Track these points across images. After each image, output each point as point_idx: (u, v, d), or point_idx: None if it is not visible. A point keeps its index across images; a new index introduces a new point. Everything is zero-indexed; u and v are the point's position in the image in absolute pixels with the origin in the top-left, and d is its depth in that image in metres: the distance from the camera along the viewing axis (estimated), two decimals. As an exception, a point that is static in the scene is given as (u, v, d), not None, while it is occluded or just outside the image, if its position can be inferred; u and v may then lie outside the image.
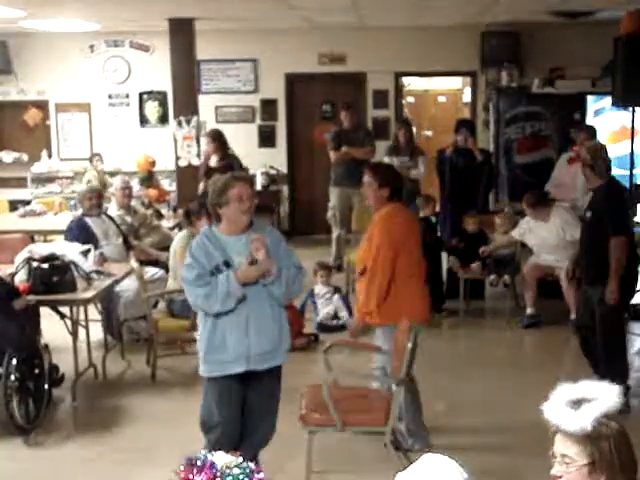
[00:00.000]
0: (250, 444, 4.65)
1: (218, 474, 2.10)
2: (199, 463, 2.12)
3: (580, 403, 2.48)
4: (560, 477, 2.51)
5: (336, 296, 8.37)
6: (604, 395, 2.50)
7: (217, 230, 4.60)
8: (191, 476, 2.10)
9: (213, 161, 9.64)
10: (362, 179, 10.11)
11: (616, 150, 10.67)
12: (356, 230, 10.01)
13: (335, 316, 8.28)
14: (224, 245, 4.52)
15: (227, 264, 4.46)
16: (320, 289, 8.37)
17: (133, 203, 9.14)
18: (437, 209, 9.50)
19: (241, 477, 2.12)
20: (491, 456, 5.29)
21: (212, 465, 2.12)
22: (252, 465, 2.16)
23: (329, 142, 10.70)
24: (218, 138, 9.74)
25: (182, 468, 2.13)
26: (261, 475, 2.14)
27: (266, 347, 4.52)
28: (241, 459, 2.18)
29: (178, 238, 7.46)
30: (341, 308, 8.31)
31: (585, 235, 6.19)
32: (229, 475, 2.11)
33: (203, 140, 10.31)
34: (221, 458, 2.15)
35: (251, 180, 5.05)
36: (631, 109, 8.82)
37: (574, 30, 11.54)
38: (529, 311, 8.33)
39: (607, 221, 5.83)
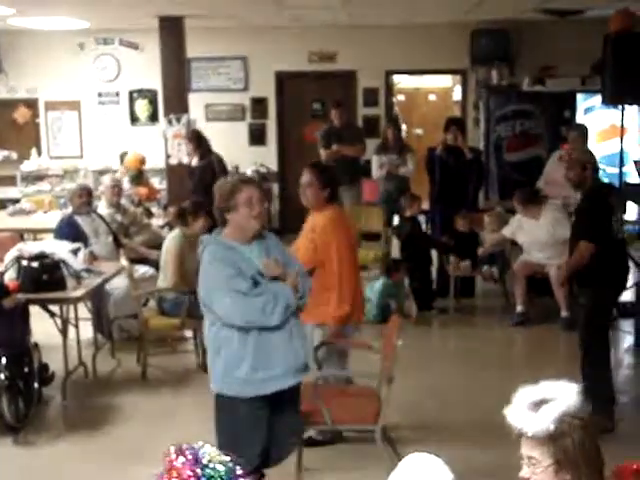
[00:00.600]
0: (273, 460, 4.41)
1: (199, 467, 2.09)
2: (188, 453, 2.11)
3: (540, 405, 2.50)
4: (528, 479, 2.54)
5: None
6: (563, 394, 2.52)
7: (223, 237, 4.27)
8: (175, 463, 2.09)
9: (194, 161, 9.65)
10: (352, 177, 10.14)
11: (606, 148, 10.71)
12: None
13: None
14: (242, 254, 4.19)
15: (261, 274, 4.16)
16: None
17: (123, 201, 9.12)
18: (423, 207, 9.49)
19: (223, 476, 2.11)
20: (478, 454, 5.28)
21: (196, 455, 2.11)
22: (238, 469, 2.15)
23: (319, 140, 10.70)
24: (195, 138, 9.73)
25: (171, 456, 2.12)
26: None
27: (305, 357, 4.34)
28: (229, 458, 2.17)
29: (170, 238, 7.44)
30: None
31: (571, 237, 6.13)
32: (211, 468, 2.10)
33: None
34: (208, 450, 2.15)
35: (260, 184, 4.81)
36: (620, 107, 8.84)
37: (564, 28, 11.56)
38: (519, 309, 8.34)
39: (582, 224, 5.87)
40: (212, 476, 2.07)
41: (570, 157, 6.19)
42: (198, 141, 9.69)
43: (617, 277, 5.89)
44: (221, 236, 4.28)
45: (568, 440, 2.47)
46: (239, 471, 2.13)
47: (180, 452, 2.12)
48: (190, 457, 2.10)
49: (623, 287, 6.12)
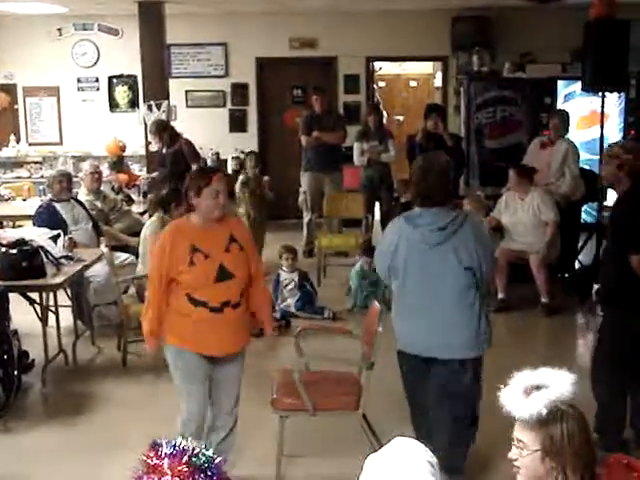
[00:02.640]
0: None
1: (186, 459, 2.10)
2: (165, 448, 2.12)
3: (534, 390, 2.51)
4: (515, 460, 2.55)
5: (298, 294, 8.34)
6: (557, 382, 2.53)
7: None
8: (159, 461, 2.10)
9: (164, 150, 9.59)
10: (333, 164, 10.18)
11: (586, 135, 10.75)
12: (327, 215, 10.03)
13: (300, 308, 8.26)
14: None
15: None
16: (285, 277, 8.31)
17: (103, 188, 9.08)
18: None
19: (207, 462, 2.14)
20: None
21: (183, 450, 2.13)
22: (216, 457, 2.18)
23: (300, 127, 10.68)
24: (157, 130, 9.61)
25: (148, 453, 2.12)
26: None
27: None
28: (204, 447, 2.19)
29: (148, 224, 7.41)
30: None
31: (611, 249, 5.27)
32: (198, 455, 2.12)
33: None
34: (189, 444, 2.16)
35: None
36: (601, 94, 8.86)
37: (545, 15, 11.57)
38: (500, 295, 8.37)
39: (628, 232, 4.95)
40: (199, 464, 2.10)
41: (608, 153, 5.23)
42: (160, 131, 9.59)
43: None
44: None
45: (557, 429, 2.48)
46: (217, 460, 2.15)
47: (158, 450, 2.13)
48: (174, 452, 2.12)
49: None
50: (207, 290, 4.37)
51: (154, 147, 9.84)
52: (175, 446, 2.13)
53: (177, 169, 9.22)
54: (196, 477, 2.09)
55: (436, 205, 4.43)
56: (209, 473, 2.11)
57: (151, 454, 2.11)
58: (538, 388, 2.52)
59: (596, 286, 6.50)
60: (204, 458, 2.12)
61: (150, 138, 9.78)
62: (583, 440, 2.51)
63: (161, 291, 4.43)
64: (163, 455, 2.10)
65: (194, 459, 2.10)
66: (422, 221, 4.45)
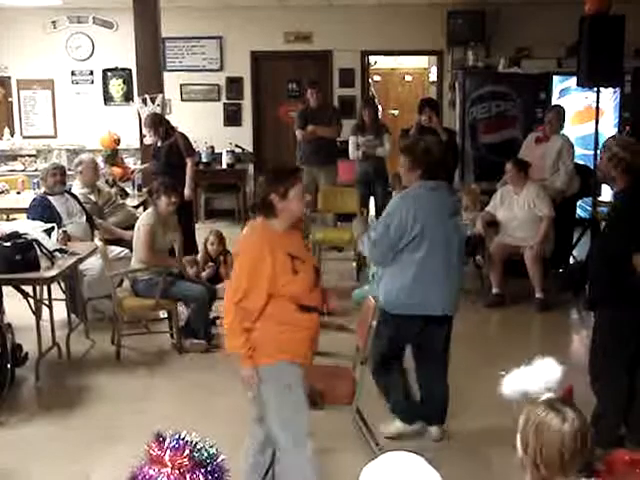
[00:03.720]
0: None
1: (188, 451, 2.11)
2: (169, 441, 2.12)
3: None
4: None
5: None
6: (546, 379, 2.57)
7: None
8: (161, 452, 2.10)
9: (158, 142, 9.55)
10: (328, 158, 10.19)
11: (581, 130, 10.75)
12: (322, 209, 10.01)
13: None
14: None
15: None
16: None
17: (98, 181, 9.05)
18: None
19: (210, 458, 2.14)
20: (453, 436, 5.33)
21: (186, 443, 2.13)
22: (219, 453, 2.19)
23: (296, 121, 10.66)
24: (152, 123, 9.56)
25: (151, 444, 2.13)
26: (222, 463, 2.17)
27: None
28: (209, 444, 2.20)
29: (143, 216, 7.41)
30: None
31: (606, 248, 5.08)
32: (201, 450, 2.13)
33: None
34: (192, 438, 2.17)
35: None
36: (596, 89, 8.86)
37: (540, 10, 11.57)
38: (494, 290, 8.37)
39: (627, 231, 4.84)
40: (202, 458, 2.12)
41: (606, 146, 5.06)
42: (157, 125, 9.55)
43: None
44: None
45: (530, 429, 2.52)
46: (220, 457, 2.16)
47: (162, 442, 2.13)
48: (177, 445, 2.13)
49: None
50: (312, 295, 4.13)
51: (149, 140, 9.81)
52: (178, 439, 2.13)
53: (171, 162, 9.21)
54: (196, 472, 2.09)
55: (443, 180, 4.94)
56: (209, 469, 2.11)
57: (154, 446, 2.11)
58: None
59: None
60: (206, 454, 2.13)
61: (145, 131, 9.74)
62: (554, 449, 2.52)
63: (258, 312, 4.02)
64: (165, 447, 2.10)
65: (196, 454, 2.11)
66: (439, 191, 4.92)
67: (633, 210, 4.86)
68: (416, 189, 4.93)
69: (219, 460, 2.16)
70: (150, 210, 7.33)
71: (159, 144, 9.51)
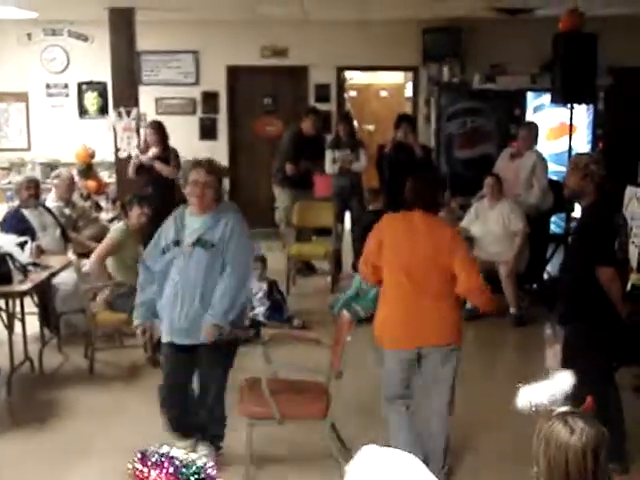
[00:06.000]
0: None
1: (177, 467, 2.08)
2: (154, 458, 2.09)
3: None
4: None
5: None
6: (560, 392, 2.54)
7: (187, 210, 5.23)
8: (146, 471, 2.07)
9: (152, 151, 9.48)
10: (310, 182, 10.14)
11: (555, 146, 10.82)
12: (298, 223, 9.94)
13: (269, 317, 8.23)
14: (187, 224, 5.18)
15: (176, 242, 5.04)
16: (254, 285, 8.22)
17: (72, 196, 9.02)
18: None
19: (198, 473, 2.12)
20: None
21: (171, 459, 2.10)
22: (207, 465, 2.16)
23: (285, 149, 10.35)
24: (158, 129, 9.60)
25: (136, 464, 2.09)
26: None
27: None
28: (197, 457, 2.17)
29: (112, 230, 7.43)
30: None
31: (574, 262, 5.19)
32: (190, 466, 2.10)
33: (143, 132, 10.16)
34: (177, 453, 2.14)
35: (212, 168, 5.55)
36: (569, 106, 8.94)
37: (514, 27, 11.65)
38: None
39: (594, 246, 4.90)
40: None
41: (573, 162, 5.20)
42: (163, 132, 9.56)
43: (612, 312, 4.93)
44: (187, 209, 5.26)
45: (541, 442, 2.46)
46: (209, 469, 2.13)
47: (145, 460, 2.10)
48: (167, 464, 2.09)
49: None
50: None
51: (128, 152, 9.78)
52: (162, 456, 2.10)
53: (159, 176, 9.21)
54: None
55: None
56: None
57: (138, 464, 2.08)
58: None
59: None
60: (194, 468, 2.09)
61: (150, 138, 9.64)
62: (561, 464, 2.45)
63: None
64: (150, 465, 2.07)
65: (184, 469, 2.08)
66: None
67: (599, 224, 4.93)
68: None
69: (209, 471, 2.13)
70: (120, 224, 7.33)
71: (151, 154, 9.39)
